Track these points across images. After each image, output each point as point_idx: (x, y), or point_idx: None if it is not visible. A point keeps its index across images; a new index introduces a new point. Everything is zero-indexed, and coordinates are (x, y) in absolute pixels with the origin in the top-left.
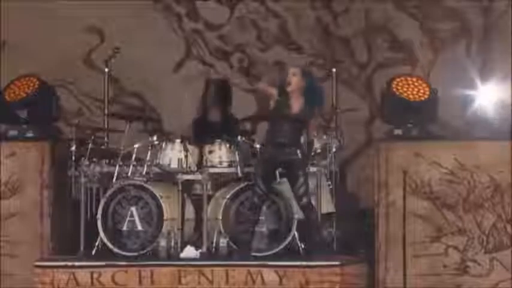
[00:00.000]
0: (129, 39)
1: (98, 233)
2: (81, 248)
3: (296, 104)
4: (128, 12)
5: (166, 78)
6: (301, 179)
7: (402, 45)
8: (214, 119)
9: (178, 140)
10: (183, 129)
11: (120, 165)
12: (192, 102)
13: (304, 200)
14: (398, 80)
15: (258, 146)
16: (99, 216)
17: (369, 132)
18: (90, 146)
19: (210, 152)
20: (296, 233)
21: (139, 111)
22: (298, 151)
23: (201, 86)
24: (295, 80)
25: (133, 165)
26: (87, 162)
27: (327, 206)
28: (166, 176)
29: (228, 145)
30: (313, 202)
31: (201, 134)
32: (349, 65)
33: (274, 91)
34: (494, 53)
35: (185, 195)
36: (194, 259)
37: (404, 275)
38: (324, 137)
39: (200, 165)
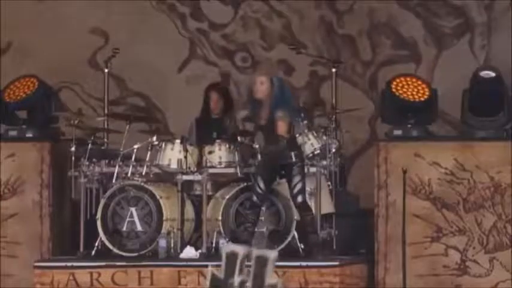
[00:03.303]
0: (134, 40)
1: (97, 234)
2: (81, 248)
3: (265, 113)
4: (132, 12)
5: (171, 78)
6: (297, 179)
7: (406, 43)
8: (216, 118)
9: (178, 141)
10: (186, 130)
11: (119, 166)
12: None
13: (299, 199)
14: (398, 80)
15: (257, 146)
16: (98, 216)
17: (373, 130)
18: (89, 146)
19: (210, 152)
20: (296, 234)
21: (144, 112)
22: (293, 153)
23: (205, 85)
24: (263, 89)
25: (133, 166)
26: (86, 163)
27: (326, 206)
28: (166, 177)
29: (227, 145)
30: (311, 202)
31: (203, 134)
32: (353, 63)
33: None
34: (497, 50)
35: (185, 195)
36: (194, 259)
37: (404, 275)
38: (324, 137)
39: (200, 165)
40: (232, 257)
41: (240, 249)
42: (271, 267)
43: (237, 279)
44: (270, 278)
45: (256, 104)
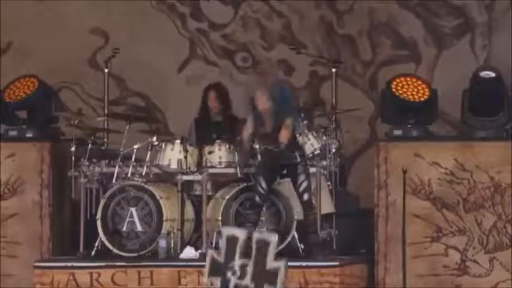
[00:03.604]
0: (134, 40)
1: (97, 234)
2: (81, 248)
3: (268, 123)
4: (132, 12)
5: (171, 78)
6: (302, 177)
7: (406, 43)
8: (215, 119)
9: (178, 141)
10: (186, 130)
11: (119, 166)
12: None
13: (305, 197)
14: (398, 80)
15: (257, 146)
16: (98, 216)
17: (373, 130)
18: (89, 146)
19: (210, 152)
20: (296, 234)
21: (144, 112)
22: (297, 154)
23: (205, 85)
24: (263, 100)
25: (133, 166)
26: (86, 163)
27: (326, 206)
28: (166, 177)
29: (227, 145)
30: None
31: (202, 134)
32: (353, 63)
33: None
34: (497, 50)
35: (185, 195)
36: (194, 260)
37: (404, 275)
38: (324, 137)
39: (200, 165)
40: (232, 240)
41: (240, 233)
42: (272, 251)
43: (237, 263)
44: (272, 262)
45: (257, 113)
